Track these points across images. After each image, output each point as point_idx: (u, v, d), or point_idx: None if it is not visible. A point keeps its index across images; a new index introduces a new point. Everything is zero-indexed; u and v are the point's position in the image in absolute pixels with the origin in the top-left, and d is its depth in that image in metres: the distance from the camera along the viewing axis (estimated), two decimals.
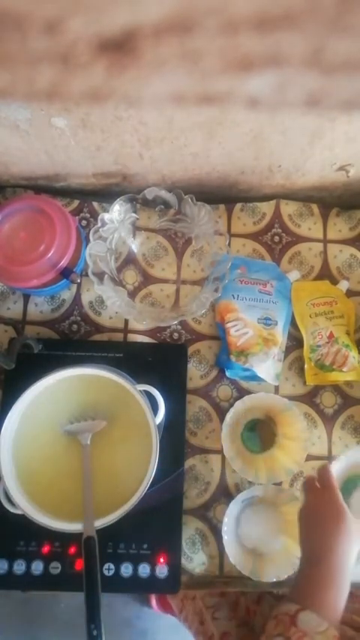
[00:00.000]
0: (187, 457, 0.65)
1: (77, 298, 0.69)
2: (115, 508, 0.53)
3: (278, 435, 0.66)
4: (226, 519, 0.60)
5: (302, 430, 0.62)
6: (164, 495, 0.61)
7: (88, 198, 0.73)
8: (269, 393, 0.65)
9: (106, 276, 0.65)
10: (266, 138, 0.62)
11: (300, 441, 0.62)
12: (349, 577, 0.46)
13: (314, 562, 0.47)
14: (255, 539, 0.64)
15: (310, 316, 0.69)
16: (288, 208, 0.74)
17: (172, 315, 0.66)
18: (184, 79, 0.10)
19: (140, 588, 0.58)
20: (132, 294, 0.70)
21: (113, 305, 0.63)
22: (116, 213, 0.67)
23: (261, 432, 0.68)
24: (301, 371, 0.69)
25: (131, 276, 0.71)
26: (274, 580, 0.59)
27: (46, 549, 0.59)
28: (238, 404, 0.63)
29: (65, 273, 0.61)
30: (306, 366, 0.68)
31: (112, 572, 0.58)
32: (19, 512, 0.53)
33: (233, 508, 0.61)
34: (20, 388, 0.56)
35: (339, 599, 0.44)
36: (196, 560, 0.63)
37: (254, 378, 0.66)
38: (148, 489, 0.53)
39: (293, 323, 0.70)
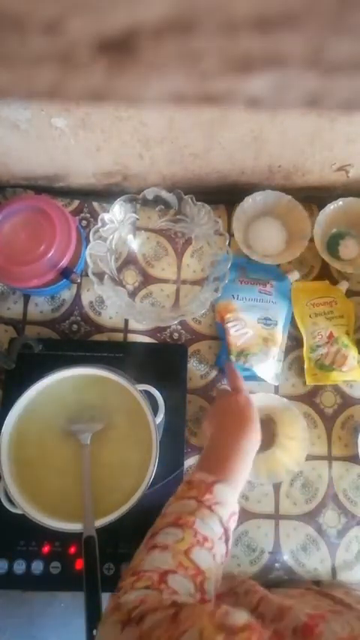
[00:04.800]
0: (187, 457, 0.65)
1: (77, 298, 0.69)
2: (115, 508, 0.53)
3: (278, 435, 0.66)
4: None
5: (302, 430, 0.62)
6: (164, 495, 0.61)
7: (88, 198, 0.73)
8: (269, 393, 0.65)
9: (106, 276, 0.65)
10: (266, 138, 0.62)
11: (300, 440, 0.62)
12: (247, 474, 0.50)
13: (224, 445, 0.51)
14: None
15: (310, 316, 0.69)
16: None
17: (172, 315, 0.66)
18: (184, 79, 0.10)
19: None
20: (132, 294, 0.70)
21: (113, 305, 0.63)
22: (116, 213, 0.67)
23: (261, 432, 0.67)
24: (301, 371, 0.69)
25: (131, 276, 0.71)
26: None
27: (46, 549, 0.59)
28: None
29: (65, 273, 0.61)
30: (306, 366, 0.68)
31: (112, 572, 0.58)
32: (19, 512, 0.53)
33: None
34: (20, 388, 0.56)
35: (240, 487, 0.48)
36: None
37: (254, 378, 0.66)
38: (148, 489, 0.53)
39: (293, 323, 0.70)
